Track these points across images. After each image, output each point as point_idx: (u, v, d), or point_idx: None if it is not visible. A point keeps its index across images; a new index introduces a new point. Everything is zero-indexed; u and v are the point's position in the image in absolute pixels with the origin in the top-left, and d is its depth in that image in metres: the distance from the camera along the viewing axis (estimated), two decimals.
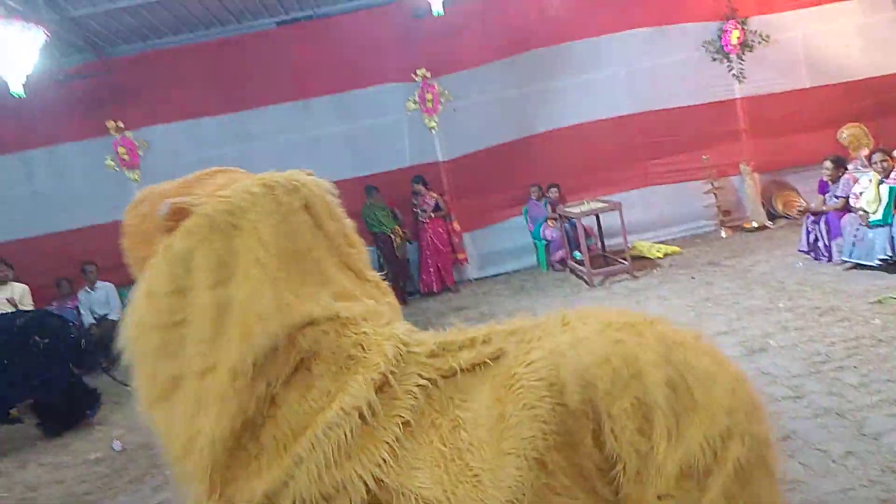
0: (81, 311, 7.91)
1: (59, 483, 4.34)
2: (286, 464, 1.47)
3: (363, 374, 1.53)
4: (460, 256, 8.47)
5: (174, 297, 1.50)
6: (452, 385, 1.58)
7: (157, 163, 8.21)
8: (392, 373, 1.55)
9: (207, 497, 1.48)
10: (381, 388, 1.54)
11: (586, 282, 6.98)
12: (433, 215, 8.17)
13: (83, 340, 5.78)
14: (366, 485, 1.45)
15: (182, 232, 1.50)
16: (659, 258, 7.48)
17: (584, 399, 1.44)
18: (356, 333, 1.61)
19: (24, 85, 6.19)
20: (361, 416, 1.50)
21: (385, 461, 1.47)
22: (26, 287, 6.69)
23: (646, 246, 7.77)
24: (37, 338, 5.15)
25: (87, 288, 7.91)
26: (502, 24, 8.33)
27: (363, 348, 1.59)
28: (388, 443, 1.49)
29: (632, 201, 7.91)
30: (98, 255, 7.95)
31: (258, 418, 1.50)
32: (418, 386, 1.57)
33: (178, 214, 1.51)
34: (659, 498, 1.42)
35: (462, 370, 1.60)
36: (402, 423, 1.52)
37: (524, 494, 1.41)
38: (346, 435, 1.47)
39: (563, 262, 7.99)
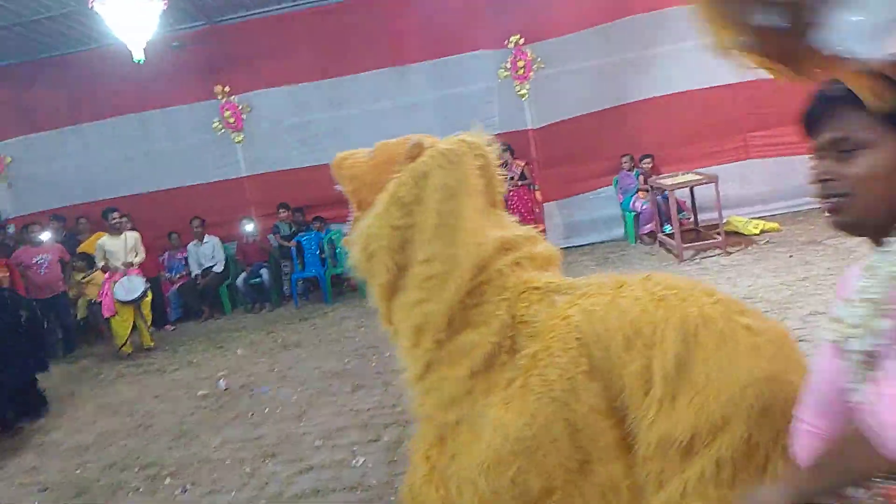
0: (190, 263, 8.56)
1: (172, 413, 4.82)
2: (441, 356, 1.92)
3: (506, 310, 1.88)
4: (540, 227, 8.46)
5: (412, 206, 1.91)
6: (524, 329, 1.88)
7: (259, 126, 8.69)
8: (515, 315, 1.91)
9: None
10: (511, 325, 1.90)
11: (675, 256, 6.84)
12: (519, 184, 8.20)
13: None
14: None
15: (425, 158, 1.93)
16: (755, 235, 7.20)
17: (603, 357, 1.65)
18: (510, 270, 1.96)
19: (143, 51, 6.66)
20: (497, 346, 1.86)
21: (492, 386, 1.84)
22: (138, 235, 7.31)
23: (742, 221, 7.48)
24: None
25: (195, 241, 8.54)
26: None
27: (509, 285, 1.92)
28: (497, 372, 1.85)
29: (729, 174, 7.61)
30: (205, 210, 8.58)
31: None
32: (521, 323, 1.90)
33: (418, 149, 1.96)
34: (644, 459, 1.58)
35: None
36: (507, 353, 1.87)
37: (538, 419, 1.69)
38: (483, 355, 1.85)
39: (652, 234, 7.83)
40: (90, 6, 6.35)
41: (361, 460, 3.45)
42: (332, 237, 8.28)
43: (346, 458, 3.52)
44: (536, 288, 1.90)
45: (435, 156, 1.91)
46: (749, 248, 6.78)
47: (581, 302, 1.76)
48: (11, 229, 8.29)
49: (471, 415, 1.84)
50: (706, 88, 8.01)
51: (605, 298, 1.73)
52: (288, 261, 8.42)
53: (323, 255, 8.29)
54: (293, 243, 8.30)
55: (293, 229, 8.46)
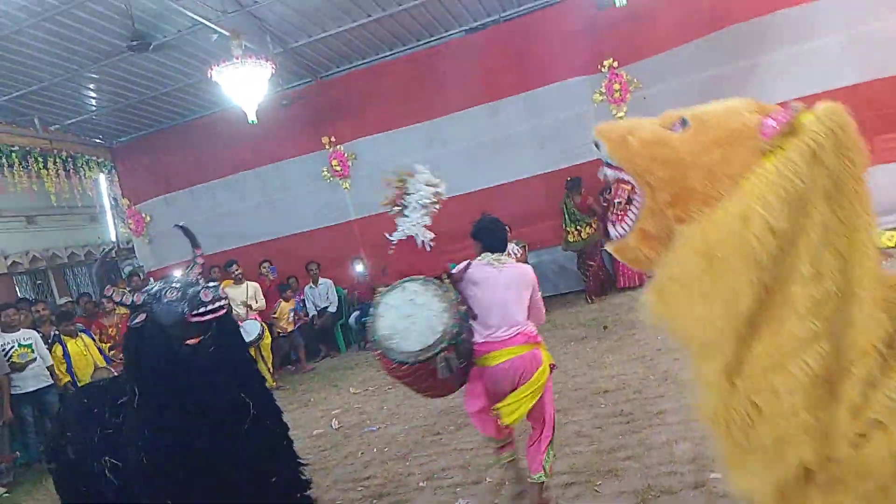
0: (307, 304, 9.04)
1: None
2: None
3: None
4: None
5: (799, 199, 1.36)
6: None
7: (363, 172, 9.11)
8: None
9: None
10: None
11: None
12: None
13: None
14: None
15: (816, 132, 1.37)
16: (889, 247, 6.53)
17: None
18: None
19: (255, 112, 7.24)
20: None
21: None
22: (258, 285, 7.87)
23: None
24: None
25: (311, 284, 9.02)
26: (696, 1, 7.84)
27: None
28: None
29: None
30: (320, 254, 9.06)
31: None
32: None
33: (787, 132, 1.39)
34: None
35: None
36: None
37: None
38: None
39: None
40: (209, 76, 7.01)
41: (464, 503, 3.45)
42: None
43: (449, 500, 3.54)
44: None
45: (825, 130, 1.36)
46: (883, 262, 6.16)
47: None
48: (152, 282, 9.18)
49: None
50: (823, 92, 7.42)
51: None
52: None
53: None
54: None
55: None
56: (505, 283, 3.10)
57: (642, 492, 3.03)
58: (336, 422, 5.56)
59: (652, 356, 5.10)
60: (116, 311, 7.21)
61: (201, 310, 2.52)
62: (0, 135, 8.61)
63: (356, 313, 8.72)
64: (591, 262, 8.04)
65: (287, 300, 8.45)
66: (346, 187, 9.25)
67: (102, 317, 7.05)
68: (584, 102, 8.30)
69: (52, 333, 6.72)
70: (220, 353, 2.66)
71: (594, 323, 6.75)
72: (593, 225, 8.00)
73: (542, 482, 3.04)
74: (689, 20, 7.83)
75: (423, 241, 3.18)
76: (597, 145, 1.64)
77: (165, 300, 2.56)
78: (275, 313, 8.34)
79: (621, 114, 8.20)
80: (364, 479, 4.15)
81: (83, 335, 6.63)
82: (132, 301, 2.63)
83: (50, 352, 6.40)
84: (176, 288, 2.60)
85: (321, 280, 9.00)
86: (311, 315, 8.95)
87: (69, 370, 6.35)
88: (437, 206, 3.26)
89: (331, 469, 4.47)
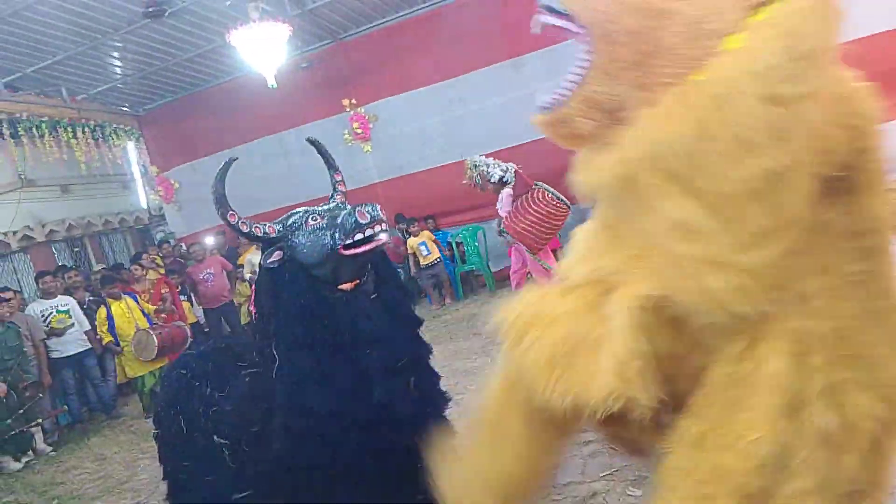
0: None
1: None
2: None
3: None
4: None
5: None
6: None
7: (384, 134, 9.05)
8: None
9: None
10: None
11: None
12: None
13: None
14: None
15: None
16: None
17: None
18: None
19: (275, 76, 7.20)
20: None
21: None
22: None
23: None
24: None
25: None
26: None
27: None
28: None
29: None
30: None
31: None
32: None
33: None
34: None
35: None
36: None
37: None
38: None
39: None
40: (228, 41, 6.98)
41: None
42: (460, 235, 8.44)
43: None
44: None
45: None
46: None
47: None
48: (184, 248, 9.37)
49: None
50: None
51: None
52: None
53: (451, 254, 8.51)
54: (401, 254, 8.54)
55: (407, 236, 8.73)
56: None
57: None
58: None
59: None
60: (147, 277, 7.39)
61: (358, 236, 1.83)
62: (29, 105, 8.76)
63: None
64: None
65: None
66: (368, 150, 9.20)
67: (133, 283, 7.22)
68: None
69: (87, 299, 7.02)
70: (381, 304, 1.97)
71: None
72: None
73: None
74: None
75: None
76: None
77: (308, 228, 1.94)
78: None
79: None
80: None
81: (127, 297, 6.80)
82: (264, 232, 2.02)
83: (95, 314, 6.77)
84: (320, 213, 1.97)
85: None
86: None
87: (111, 330, 6.63)
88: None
89: None
